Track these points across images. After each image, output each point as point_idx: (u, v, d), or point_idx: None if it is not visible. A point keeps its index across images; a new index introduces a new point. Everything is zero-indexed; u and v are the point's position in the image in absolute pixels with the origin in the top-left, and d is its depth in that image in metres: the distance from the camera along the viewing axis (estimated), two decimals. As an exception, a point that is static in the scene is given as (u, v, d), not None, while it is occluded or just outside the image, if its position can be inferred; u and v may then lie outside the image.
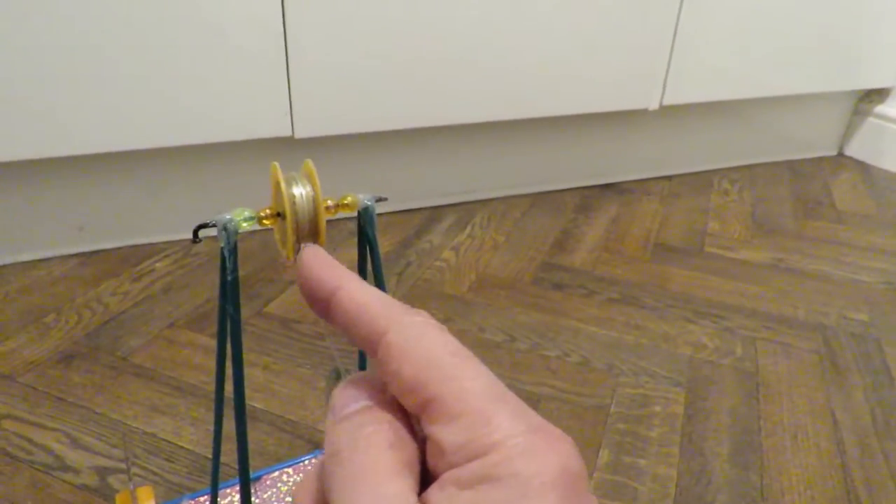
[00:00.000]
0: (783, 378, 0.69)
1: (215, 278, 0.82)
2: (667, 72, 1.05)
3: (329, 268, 0.19)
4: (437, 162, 1.03)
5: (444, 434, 0.16)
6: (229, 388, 0.27)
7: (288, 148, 0.91)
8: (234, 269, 0.22)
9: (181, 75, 0.77)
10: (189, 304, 0.77)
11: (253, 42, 0.78)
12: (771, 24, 1.09)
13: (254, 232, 0.93)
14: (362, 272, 0.27)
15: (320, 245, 0.24)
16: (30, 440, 0.57)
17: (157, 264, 0.85)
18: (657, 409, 0.64)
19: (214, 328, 0.72)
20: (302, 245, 0.24)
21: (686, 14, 1.01)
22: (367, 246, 0.25)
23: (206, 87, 0.79)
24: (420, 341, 0.17)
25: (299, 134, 0.86)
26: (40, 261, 0.85)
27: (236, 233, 0.22)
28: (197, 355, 0.68)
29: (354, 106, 0.87)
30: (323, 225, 0.23)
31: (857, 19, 1.15)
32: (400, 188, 1.02)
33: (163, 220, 0.90)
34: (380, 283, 0.25)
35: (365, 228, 0.24)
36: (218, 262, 0.86)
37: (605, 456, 0.58)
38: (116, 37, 0.72)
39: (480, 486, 0.15)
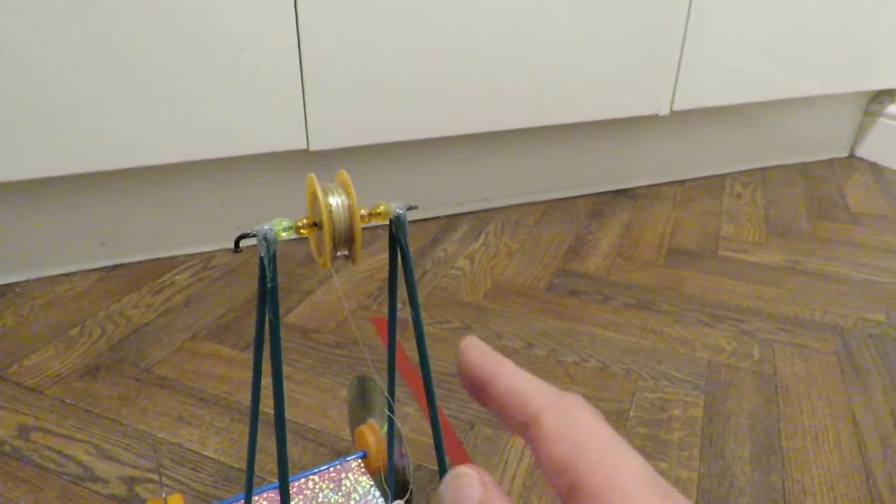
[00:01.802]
0: (802, 380, 0.69)
1: (235, 290, 0.84)
2: (676, 77, 1.05)
3: (487, 356, 0.20)
4: (450, 171, 1.04)
5: None
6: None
7: (303, 160, 0.93)
8: (274, 278, 0.23)
9: (198, 91, 0.79)
10: (210, 315, 0.78)
11: (268, 57, 0.80)
12: (779, 28, 1.09)
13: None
14: (394, 279, 0.28)
15: (356, 252, 0.24)
16: (59, 452, 0.58)
17: (178, 277, 0.87)
18: (676, 412, 0.64)
19: (235, 339, 0.73)
20: (462, 341, 0.25)
21: (695, 19, 1.01)
22: (398, 253, 0.26)
23: (223, 102, 0.80)
24: (574, 423, 0.17)
25: (314, 146, 0.87)
26: (63, 275, 0.87)
27: (275, 242, 0.23)
28: (219, 366, 0.69)
29: (368, 118, 0.89)
30: (359, 233, 0.24)
31: (867, 21, 1.16)
32: (414, 198, 1.03)
33: (182, 233, 0.91)
34: (412, 289, 0.26)
35: (397, 236, 0.25)
36: (237, 275, 0.87)
37: (626, 460, 0.58)
38: (135, 54, 0.74)
39: None
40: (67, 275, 0.87)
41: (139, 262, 0.90)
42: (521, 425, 0.18)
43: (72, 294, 0.83)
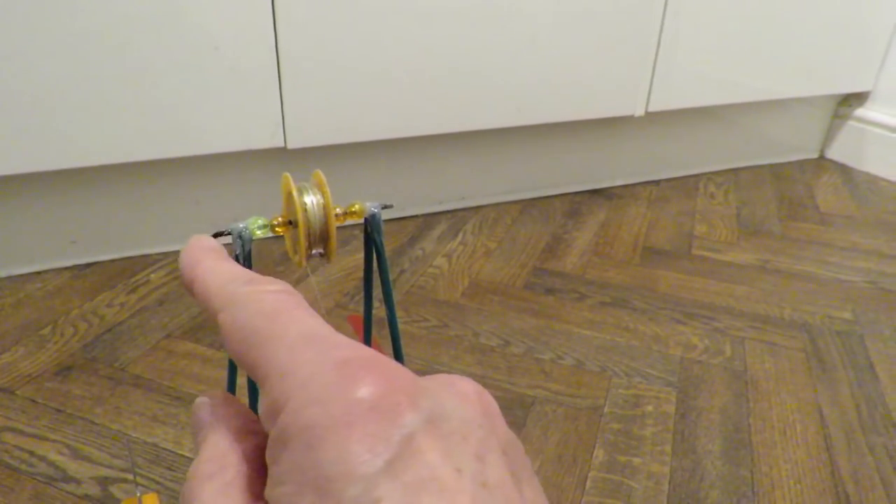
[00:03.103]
0: (771, 376, 0.71)
1: (211, 289, 0.83)
2: (652, 79, 1.07)
3: (194, 256, 0.19)
4: (427, 170, 1.04)
5: (260, 408, 0.15)
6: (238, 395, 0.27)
7: (280, 158, 0.92)
8: (250, 275, 0.23)
9: (173, 87, 0.78)
10: (185, 314, 0.77)
11: (244, 54, 0.79)
12: (752, 31, 1.11)
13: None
14: (369, 277, 0.28)
15: (331, 250, 0.25)
16: (31, 452, 0.57)
17: (152, 275, 0.86)
18: (650, 408, 0.65)
19: (211, 338, 0.73)
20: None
21: (669, 23, 1.03)
22: (373, 252, 0.26)
23: (198, 100, 0.80)
24: (241, 313, 0.16)
25: (291, 145, 0.87)
26: (34, 274, 0.85)
27: (251, 241, 0.23)
28: (195, 365, 0.69)
29: (346, 116, 0.89)
30: (333, 232, 0.24)
31: (837, 25, 1.18)
32: (391, 197, 1.03)
33: (156, 231, 0.90)
34: (387, 287, 0.26)
35: (372, 235, 0.26)
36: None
37: (600, 455, 0.59)
38: (108, 51, 0.73)
39: (281, 455, 0.14)
40: (38, 273, 0.85)
41: (112, 261, 0.89)
42: (216, 322, 0.17)
43: (43, 293, 0.81)
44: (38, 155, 0.75)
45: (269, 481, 0.14)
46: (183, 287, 0.20)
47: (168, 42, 0.75)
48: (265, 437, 0.15)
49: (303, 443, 0.13)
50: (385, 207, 0.25)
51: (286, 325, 0.16)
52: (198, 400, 0.18)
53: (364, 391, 0.14)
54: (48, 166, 0.77)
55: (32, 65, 0.71)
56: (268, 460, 0.15)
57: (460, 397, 0.15)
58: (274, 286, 0.17)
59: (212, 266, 0.19)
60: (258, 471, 0.16)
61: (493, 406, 0.16)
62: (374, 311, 0.32)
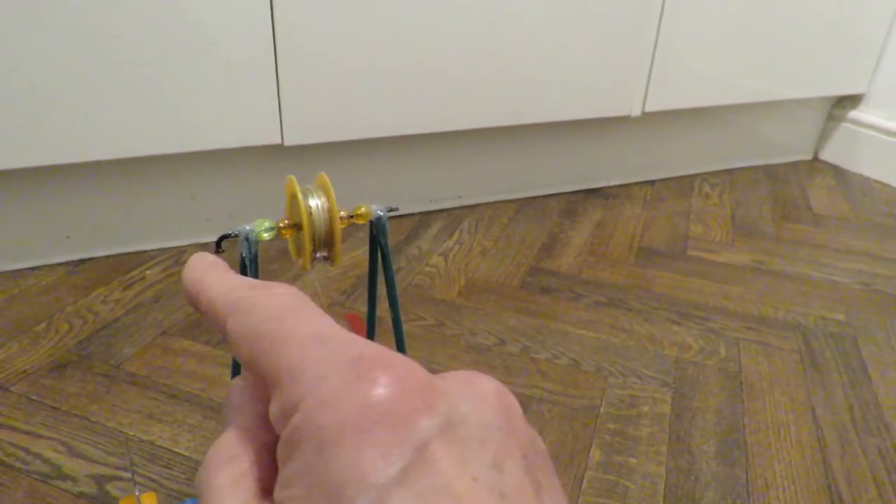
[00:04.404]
0: (765, 377, 0.71)
1: (206, 286, 0.83)
2: (648, 79, 1.07)
3: (198, 272, 0.19)
4: (424, 169, 1.04)
5: (271, 410, 0.15)
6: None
7: (277, 155, 0.92)
8: (255, 278, 0.23)
9: (170, 83, 0.77)
10: (181, 311, 0.77)
11: (242, 50, 0.79)
12: (748, 33, 1.12)
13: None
14: (374, 279, 0.28)
15: (336, 254, 0.25)
16: (26, 450, 0.57)
17: (148, 272, 0.85)
18: (645, 409, 0.65)
19: (207, 335, 0.73)
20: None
21: (666, 24, 1.03)
22: (378, 253, 0.26)
23: (196, 96, 0.79)
24: (250, 318, 0.16)
25: (289, 142, 0.87)
26: (28, 269, 0.85)
27: (257, 242, 0.23)
28: (191, 363, 0.68)
29: (343, 114, 0.88)
30: (338, 235, 0.24)
31: (832, 28, 1.19)
32: (388, 194, 1.03)
33: (152, 227, 0.90)
34: (392, 291, 0.26)
35: (377, 237, 0.26)
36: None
37: (595, 455, 0.59)
38: (104, 46, 0.73)
39: (291, 456, 0.14)
40: (33, 269, 0.85)
41: (108, 257, 0.89)
42: (223, 334, 0.17)
43: (37, 289, 0.81)
44: (33, 150, 0.75)
45: (278, 482, 0.14)
46: (189, 304, 0.19)
47: (165, 37, 0.75)
48: None
49: (314, 446, 0.13)
50: (391, 211, 0.25)
51: (295, 325, 0.16)
52: (233, 380, 0.18)
53: (378, 393, 0.13)
54: (43, 161, 0.76)
55: (27, 59, 0.70)
56: (278, 461, 0.14)
57: (479, 399, 0.15)
58: (280, 289, 0.17)
59: (216, 278, 0.19)
60: (274, 465, 0.16)
61: (514, 407, 0.15)
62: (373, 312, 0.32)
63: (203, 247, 0.92)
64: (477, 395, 0.15)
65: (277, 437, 0.15)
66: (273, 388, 0.15)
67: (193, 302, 0.19)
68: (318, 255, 0.25)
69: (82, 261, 0.87)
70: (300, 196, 0.24)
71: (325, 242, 0.24)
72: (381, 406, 0.13)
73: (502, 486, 0.13)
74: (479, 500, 0.13)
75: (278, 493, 0.14)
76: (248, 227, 0.23)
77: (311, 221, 0.24)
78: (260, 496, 0.15)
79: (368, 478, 0.12)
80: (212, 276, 0.19)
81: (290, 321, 0.16)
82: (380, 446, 0.13)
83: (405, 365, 0.14)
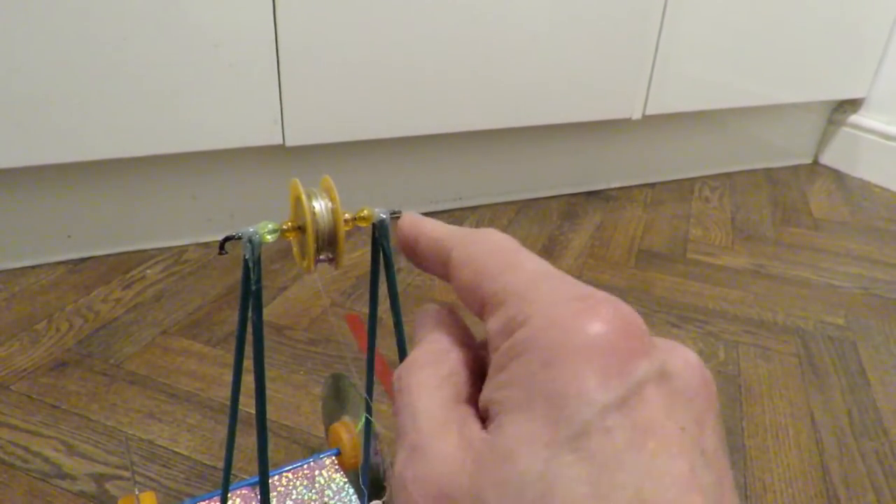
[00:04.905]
0: (764, 381, 0.71)
1: (207, 286, 0.83)
2: (649, 82, 1.07)
3: (415, 223, 0.21)
4: (425, 170, 1.04)
5: (490, 324, 0.16)
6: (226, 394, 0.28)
7: (278, 156, 0.92)
8: (259, 280, 0.23)
9: (172, 83, 0.78)
10: (181, 311, 0.77)
11: (245, 51, 0.79)
12: (750, 37, 1.12)
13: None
14: (376, 282, 0.28)
15: (339, 256, 0.25)
16: (26, 448, 0.57)
17: (148, 271, 0.86)
18: (644, 411, 0.65)
19: (208, 335, 0.73)
20: (397, 214, 0.25)
21: (668, 27, 1.03)
22: (380, 257, 0.27)
23: (198, 96, 0.79)
24: (475, 248, 0.18)
25: (290, 142, 0.87)
26: (28, 268, 0.85)
27: (260, 245, 0.23)
28: (191, 362, 0.68)
29: (344, 115, 0.89)
30: (343, 237, 0.24)
31: (832, 32, 1.19)
32: (389, 196, 1.03)
33: (153, 227, 0.90)
34: (393, 291, 0.27)
35: (380, 240, 0.26)
36: (209, 270, 0.86)
37: (594, 457, 0.59)
38: (108, 47, 0.73)
39: (510, 364, 0.15)
40: (33, 267, 0.85)
41: (108, 256, 0.89)
42: (443, 268, 0.19)
43: (38, 287, 0.81)
44: (35, 149, 0.75)
45: (491, 384, 0.15)
46: (401, 250, 0.21)
47: (168, 37, 0.75)
48: (481, 352, 0.17)
49: (540, 358, 0.14)
50: (394, 213, 0.25)
51: (523, 260, 0.17)
52: (426, 305, 0.20)
53: (602, 327, 0.14)
54: (45, 160, 0.76)
55: (30, 59, 0.70)
56: (494, 366, 0.15)
57: (688, 362, 0.16)
58: (499, 233, 0.19)
59: (433, 224, 0.20)
60: (470, 379, 0.17)
61: (713, 384, 0.16)
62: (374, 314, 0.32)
63: (204, 247, 0.92)
64: (686, 358, 0.16)
65: (474, 357, 0.18)
66: (495, 307, 0.16)
67: (412, 243, 0.20)
68: (321, 257, 0.25)
69: (83, 259, 0.87)
70: (304, 198, 0.24)
71: (329, 244, 0.25)
72: (606, 339, 0.14)
73: (704, 444, 0.14)
74: (685, 448, 0.13)
75: (493, 393, 0.15)
76: (251, 229, 0.23)
77: (316, 224, 0.24)
78: (458, 401, 0.16)
79: (592, 394, 0.13)
80: (429, 222, 0.20)
81: (518, 256, 0.17)
82: (603, 373, 0.14)
83: (629, 310, 0.15)
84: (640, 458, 0.13)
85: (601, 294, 0.15)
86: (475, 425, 0.16)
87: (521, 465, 0.13)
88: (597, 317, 0.14)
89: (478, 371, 0.18)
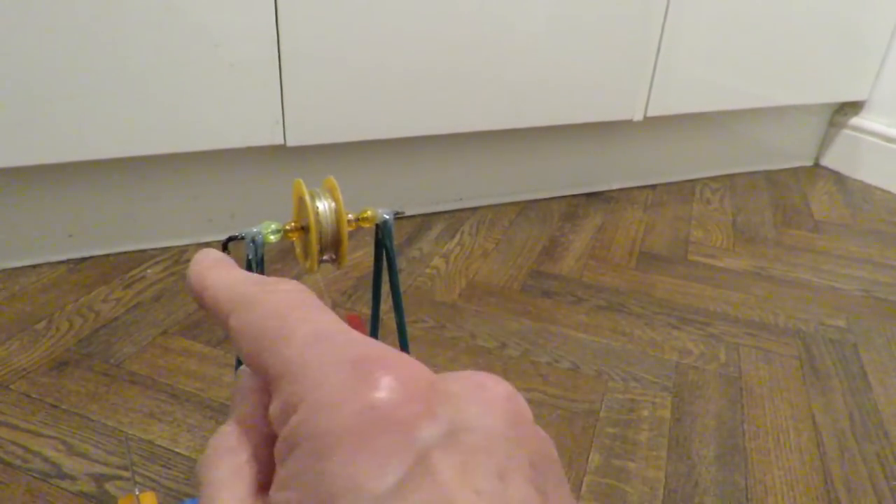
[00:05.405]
0: (765, 383, 0.71)
1: (207, 285, 0.83)
2: (651, 84, 1.07)
3: (203, 269, 0.19)
4: (426, 171, 1.04)
5: (271, 409, 0.14)
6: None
7: (279, 156, 0.92)
8: (261, 280, 0.23)
9: (173, 83, 0.78)
10: (182, 311, 0.77)
11: (246, 51, 0.79)
12: (751, 39, 1.12)
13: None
14: (378, 282, 0.28)
15: (342, 256, 0.25)
16: (25, 448, 0.57)
17: (149, 271, 0.85)
18: (645, 413, 0.65)
19: (208, 335, 0.73)
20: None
21: (669, 29, 1.03)
22: (384, 257, 0.27)
23: (199, 96, 0.79)
24: (251, 315, 0.16)
25: (291, 142, 0.87)
26: (29, 267, 0.85)
27: (263, 244, 0.23)
28: (192, 362, 0.68)
29: (346, 115, 0.89)
30: (346, 237, 0.24)
31: (834, 35, 1.19)
32: (389, 197, 1.03)
33: (153, 227, 0.90)
34: (396, 294, 0.26)
35: (383, 240, 0.26)
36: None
37: (595, 459, 0.59)
38: (108, 46, 0.73)
39: (287, 459, 0.13)
40: (34, 267, 0.85)
41: (108, 256, 0.89)
42: (227, 331, 0.17)
43: (38, 286, 0.81)
44: (35, 148, 0.75)
45: (274, 483, 0.14)
46: (193, 300, 0.19)
47: (169, 37, 0.75)
48: None
49: (311, 450, 0.13)
50: (397, 214, 0.25)
51: (297, 323, 0.15)
52: (240, 370, 0.18)
53: (378, 396, 0.13)
54: (46, 160, 0.76)
55: (31, 58, 0.70)
56: (276, 460, 0.14)
57: (486, 404, 0.14)
58: (285, 285, 0.17)
59: (220, 274, 0.18)
60: (271, 462, 0.16)
61: (524, 412, 0.15)
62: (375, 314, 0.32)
63: (204, 246, 0.92)
64: (484, 400, 0.14)
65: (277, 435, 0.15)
66: (274, 387, 0.15)
67: (198, 298, 0.19)
68: (324, 257, 0.25)
69: (83, 259, 0.87)
70: (307, 198, 0.24)
71: (332, 245, 0.24)
72: (381, 410, 0.13)
73: (507, 499, 0.12)
74: None
75: (274, 495, 0.14)
76: (254, 230, 0.23)
77: (319, 224, 0.24)
78: (257, 491, 0.15)
79: (363, 488, 0.12)
80: (216, 273, 0.18)
81: (293, 319, 0.15)
82: (378, 454, 0.12)
83: (408, 366, 0.14)
84: None
85: (376, 353, 0.14)
86: None
87: None
88: (369, 385, 0.13)
89: (257, 467, 0.16)
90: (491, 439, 0.13)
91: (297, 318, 0.16)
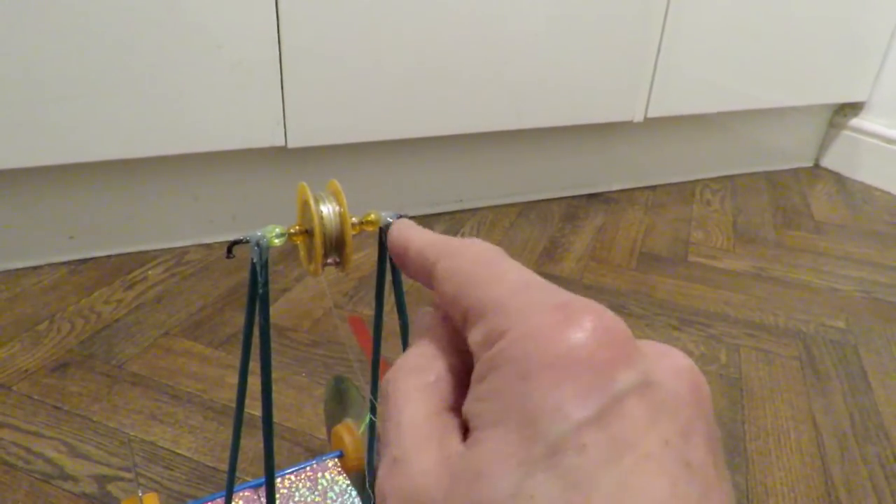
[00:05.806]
0: (766, 384, 0.71)
1: (209, 287, 0.83)
2: (651, 85, 1.07)
3: (403, 231, 0.21)
4: (426, 172, 1.04)
5: (472, 336, 0.16)
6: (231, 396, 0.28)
7: (280, 157, 0.92)
8: (266, 283, 0.23)
9: (175, 84, 0.78)
10: (183, 312, 0.77)
11: (247, 53, 0.79)
12: (751, 40, 1.12)
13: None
14: (381, 285, 0.28)
15: (346, 259, 0.25)
16: (28, 449, 0.57)
17: (150, 272, 0.86)
18: (646, 414, 0.65)
19: (210, 337, 0.73)
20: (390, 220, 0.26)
21: (669, 30, 1.03)
22: (387, 260, 0.27)
23: (200, 97, 0.79)
24: (458, 260, 0.18)
25: (292, 144, 0.87)
26: (31, 269, 0.85)
27: (268, 248, 0.23)
28: (193, 364, 0.68)
29: (346, 116, 0.89)
30: (350, 241, 0.24)
31: (834, 36, 1.19)
32: (390, 198, 1.03)
33: (155, 228, 0.90)
34: (400, 297, 0.27)
35: (387, 244, 0.26)
36: (211, 271, 0.86)
37: (596, 460, 0.59)
38: (110, 47, 0.73)
39: (489, 376, 0.15)
40: (35, 268, 0.85)
41: (110, 257, 0.89)
42: (428, 279, 0.19)
43: (39, 288, 0.81)
44: (37, 149, 0.75)
45: (471, 395, 0.15)
46: (395, 258, 0.22)
47: (170, 38, 0.75)
48: (471, 359, 0.16)
49: (516, 371, 0.14)
50: (400, 217, 0.25)
51: (504, 271, 0.17)
52: (423, 308, 0.20)
53: (582, 336, 0.14)
54: (47, 161, 0.76)
55: (34, 60, 0.70)
56: (474, 378, 0.15)
57: (674, 371, 0.15)
58: (480, 242, 0.19)
59: (421, 232, 0.21)
60: (457, 385, 0.17)
61: (705, 388, 0.16)
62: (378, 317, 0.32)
63: (205, 248, 0.92)
64: (672, 368, 0.15)
65: (463, 361, 0.17)
66: (477, 319, 0.16)
67: (401, 253, 0.21)
68: (328, 260, 0.25)
69: (85, 260, 0.87)
70: (311, 201, 0.24)
71: (336, 248, 0.25)
72: (584, 349, 0.14)
73: (689, 456, 0.13)
74: (668, 462, 0.13)
75: (471, 406, 0.15)
76: (258, 233, 0.23)
77: (323, 228, 0.24)
78: (442, 410, 0.16)
79: (567, 410, 0.13)
80: (417, 232, 0.21)
81: (500, 267, 0.17)
82: (580, 386, 0.13)
83: (611, 317, 0.15)
84: (615, 475, 0.13)
85: (582, 302, 0.15)
86: (455, 438, 0.15)
87: (493, 485, 0.13)
88: (575, 326, 0.14)
89: (466, 378, 0.17)
90: (681, 398, 0.14)
91: (505, 267, 0.17)
